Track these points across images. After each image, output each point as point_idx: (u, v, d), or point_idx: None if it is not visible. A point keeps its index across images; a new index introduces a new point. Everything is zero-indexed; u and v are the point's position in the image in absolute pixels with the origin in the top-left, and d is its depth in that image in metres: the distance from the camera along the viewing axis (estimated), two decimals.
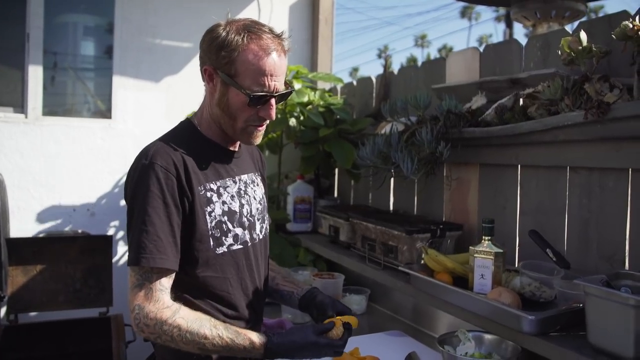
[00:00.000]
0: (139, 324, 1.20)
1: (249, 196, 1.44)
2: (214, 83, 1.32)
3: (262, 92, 1.28)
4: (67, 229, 2.90)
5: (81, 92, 3.10)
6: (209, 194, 1.32)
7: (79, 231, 2.88)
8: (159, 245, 1.21)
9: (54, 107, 2.97)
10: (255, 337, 1.25)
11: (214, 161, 1.37)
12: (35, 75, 2.84)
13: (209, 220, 1.30)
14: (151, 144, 1.32)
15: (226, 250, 1.33)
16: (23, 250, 2.54)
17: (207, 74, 1.33)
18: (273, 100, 1.32)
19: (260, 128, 1.36)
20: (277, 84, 1.31)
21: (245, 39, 1.27)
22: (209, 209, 1.31)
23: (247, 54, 1.27)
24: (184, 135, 1.37)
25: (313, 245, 2.67)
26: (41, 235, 2.80)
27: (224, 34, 1.28)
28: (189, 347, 1.21)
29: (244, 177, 1.45)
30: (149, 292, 1.21)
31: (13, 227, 2.75)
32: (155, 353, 1.40)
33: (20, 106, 2.86)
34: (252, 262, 1.41)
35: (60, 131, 2.91)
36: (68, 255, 2.61)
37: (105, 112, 3.07)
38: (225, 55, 1.27)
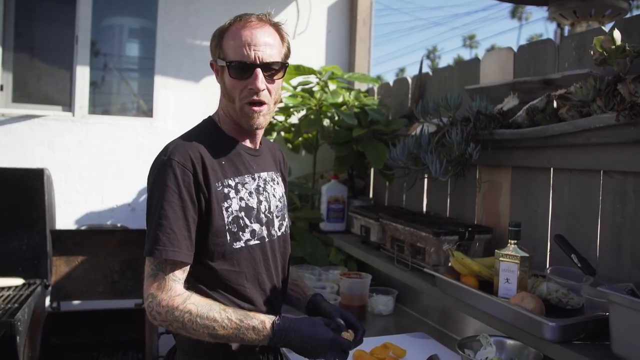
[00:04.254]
0: (152, 312, 1.24)
1: (268, 193, 1.45)
2: (218, 75, 1.39)
3: (241, 60, 1.31)
4: (108, 222, 3.02)
5: (125, 91, 3.22)
6: (226, 190, 1.34)
7: (118, 225, 3.00)
8: (172, 238, 1.25)
9: (99, 106, 3.11)
10: (264, 317, 1.26)
11: (233, 158, 1.39)
12: (82, 75, 2.97)
13: (225, 216, 1.33)
14: (172, 141, 1.36)
15: (243, 245, 1.36)
16: (66, 241, 2.66)
17: (214, 69, 1.41)
18: (258, 70, 1.32)
19: (255, 107, 1.34)
20: (260, 53, 1.31)
21: (230, 22, 1.35)
22: (225, 205, 1.33)
23: (230, 32, 1.34)
24: (205, 132, 1.41)
25: (345, 245, 2.67)
26: (82, 228, 2.92)
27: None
28: (198, 332, 1.22)
29: (264, 174, 1.47)
30: (162, 282, 1.24)
31: (59, 220, 2.90)
32: (176, 345, 1.43)
33: (68, 105, 3.00)
34: (269, 257, 1.42)
35: (105, 129, 3.03)
36: (107, 247, 2.72)
37: (147, 111, 3.17)
38: (217, 43, 1.36)
